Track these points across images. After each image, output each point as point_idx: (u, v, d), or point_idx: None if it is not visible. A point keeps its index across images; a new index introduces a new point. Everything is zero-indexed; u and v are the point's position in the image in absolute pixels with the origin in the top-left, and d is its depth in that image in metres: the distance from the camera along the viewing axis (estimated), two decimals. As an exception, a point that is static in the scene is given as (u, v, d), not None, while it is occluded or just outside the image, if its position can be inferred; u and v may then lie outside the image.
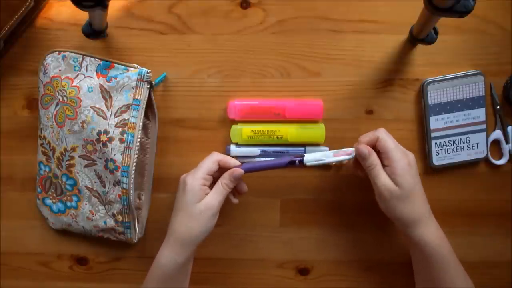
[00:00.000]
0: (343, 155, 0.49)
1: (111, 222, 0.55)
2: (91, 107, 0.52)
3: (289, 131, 0.54)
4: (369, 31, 0.54)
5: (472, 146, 0.55)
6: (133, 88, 0.52)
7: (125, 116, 0.52)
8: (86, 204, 0.55)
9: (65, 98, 0.52)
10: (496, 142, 0.55)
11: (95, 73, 0.52)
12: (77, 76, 0.52)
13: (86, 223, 0.56)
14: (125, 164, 0.51)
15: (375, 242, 0.57)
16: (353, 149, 0.49)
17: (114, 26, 0.55)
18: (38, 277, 0.60)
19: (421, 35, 0.50)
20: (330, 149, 0.54)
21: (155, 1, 0.55)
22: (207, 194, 0.48)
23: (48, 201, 0.57)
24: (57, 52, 0.53)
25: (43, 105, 0.54)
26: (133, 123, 0.52)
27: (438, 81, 0.53)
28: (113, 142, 0.51)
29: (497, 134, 0.55)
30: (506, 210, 0.56)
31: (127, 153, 0.51)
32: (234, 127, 0.55)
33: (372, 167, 0.47)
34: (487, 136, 0.55)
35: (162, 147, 0.57)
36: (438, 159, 0.55)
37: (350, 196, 0.57)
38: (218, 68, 0.55)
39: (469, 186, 0.56)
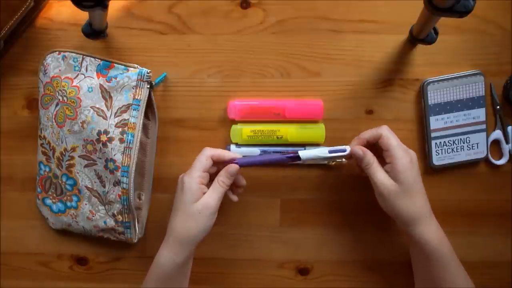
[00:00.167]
0: (338, 151, 0.49)
1: (111, 222, 0.55)
2: (91, 107, 0.52)
3: (289, 131, 0.54)
4: (369, 31, 0.54)
5: (472, 146, 0.55)
6: (133, 88, 0.52)
7: (125, 116, 0.52)
8: (86, 204, 0.55)
9: (65, 98, 0.52)
10: (496, 142, 0.55)
11: (95, 73, 0.52)
12: (77, 76, 0.52)
13: (86, 223, 0.56)
14: (125, 164, 0.51)
15: (376, 242, 0.57)
16: (348, 147, 0.49)
17: (114, 26, 0.55)
18: (38, 277, 0.60)
19: (421, 35, 0.50)
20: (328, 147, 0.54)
21: (155, 1, 0.55)
22: (205, 192, 0.48)
23: (48, 201, 0.57)
24: (57, 52, 0.53)
25: (43, 105, 0.54)
26: (133, 123, 0.52)
27: (438, 81, 0.53)
28: (113, 142, 0.51)
29: (497, 134, 0.55)
30: (506, 210, 0.56)
31: (127, 153, 0.51)
32: (234, 127, 0.55)
33: (369, 166, 0.48)
34: (487, 136, 0.55)
35: (162, 147, 0.57)
36: (438, 159, 0.55)
37: (351, 196, 0.57)
38: (218, 68, 0.55)
39: (469, 186, 0.56)
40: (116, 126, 0.52)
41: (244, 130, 0.54)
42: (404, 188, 0.46)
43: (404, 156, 0.47)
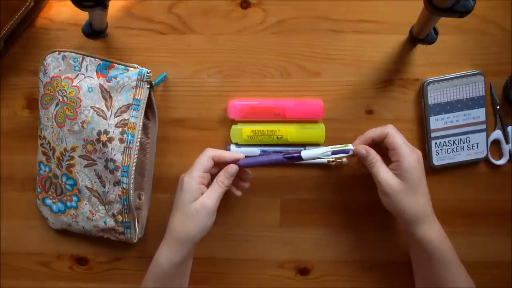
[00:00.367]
0: (342, 152, 0.49)
1: (111, 222, 0.55)
2: (91, 107, 0.52)
3: (289, 131, 0.54)
4: (369, 31, 0.54)
5: (472, 146, 0.55)
6: (133, 88, 0.52)
7: (125, 116, 0.52)
8: (86, 204, 0.55)
9: (65, 98, 0.52)
10: (496, 142, 0.55)
11: (95, 73, 0.52)
12: (77, 76, 0.52)
13: (86, 223, 0.56)
14: (125, 164, 0.51)
15: (376, 242, 0.57)
16: (351, 146, 0.49)
17: (114, 26, 0.55)
18: (38, 277, 0.60)
19: (421, 35, 0.50)
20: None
21: (155, 1, 0.55)
22: (204, 193, 0.48)
23: (48, 201, 0.57)
24: (57, 52, 0.53)
25: (43, 105, 0.54)
26: (133, 123, 0.52)
27: (438, 81, 0.53)
28: (113, 142, 0.51)
29: (497, 134, 0.55)
30: (506, 210, 0.56)
31: (127, 153, 0.51)
32: (234, 127, 0.55)
33: (372, 164, 0.48)
34: (487, 136, 0.55)
35: (162, 147, 0.57)
36: (438, 159, 0.55)
37: (351, 196, 0.57)
38: (218, 68, 0.55)
39: (469, 186, 0.56)
40: (116, 126, 0.52)
41: (244, 130, 0.54)
42: (409, 186, 0.46)
43: (410, 155, 0.47)
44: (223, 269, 0.59)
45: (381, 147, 0.49)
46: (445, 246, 0.47)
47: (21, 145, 0.58)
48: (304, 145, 0.55)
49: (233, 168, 0.49)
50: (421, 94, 0.54)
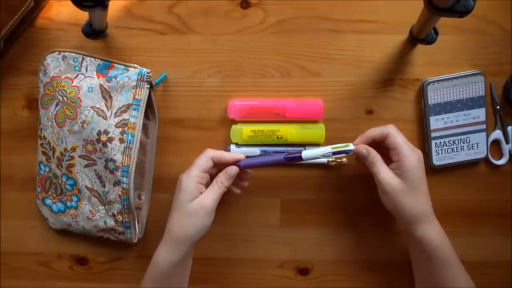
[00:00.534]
0: (342, 152, 0.49)
1: (111, 222, 0.55)
2: (91, 107, 0.52)
3: (289, 131, 0.54)
4: (369, 31, 0.54)
5: (472, 146, 0.55)
6: (133, 88, 0.52)
7: (125, 116, 0.52)
8: (86, 204, 0.55)
9: (65, 98, 0.52)
10: (496, 142, 0.55)
11: (95, 73, 0.52)
12: (77, 76, 0.52)
13: (86, 223, 0.56)
14: (125, 164, 0.51)
15: (376, 242, 0.57)
16: (352, 146, 0.49)
17: (114, 26, 0.55)
18: (38, 277, 0.60)
19: (421, 35, 0.50)
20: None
21: (155, 1, 0.55)
22: (202, 193, 0.48)
23: (48, 201, 0.57)
24: (57, 52, 0.53)
25: (43, 105, 0.54)
26: (133, 123, 0.52)
27: (438, 81, 0.53)
28: (113, 142, 0.51)
29: (497, 134, 0.55)
30: (506, 210, 0.56)
31: (127, 153, 0.51)
32: (234, 127, 0.55)
33: (373, 164, 0.48)
34: (487, 136, 0.55)
35: (162, 147, 0.57)
36: (438, 159, 0.55)
37: (351, 196, 0.57)
38: (218, 68, 0.55)
39: (469, 186, 0.56)
40: (116, 126, 0.52)
41: (244, 130, 0.54)
42: (410, 186, 0.46)
43: (411, 155, 0.47)
44: (223, 269, 0.59)
45: (382, 146, 0.49)
46: (445, 246, 0.47)
47: (21, 145, 0.58)
48: (304, 145, 0.55)
49: (233, 169, 0.49)
50: (421, 94, 0.54)
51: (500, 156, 0.56)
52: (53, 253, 0.60)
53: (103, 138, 0.51)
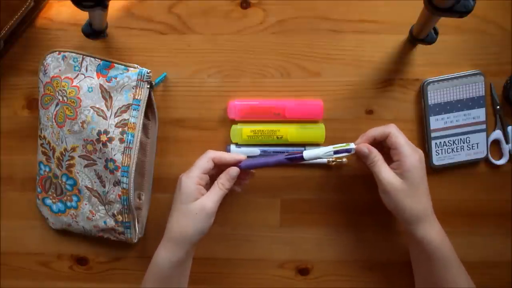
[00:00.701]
0: (344, 152, 0.49)
1: (111, 222, 0.55)
2: (91, 107, 0.52)
3: (289, 131, 0.54)
4: (369, 31, 0.54)
5: (472, 146, 0.55)
6: (133, 88, 0.52)
7: (125, 116, 0.52)
8: (86, 204, 0.55)
9: (65, 98, 0.52)
10: (496, 142, 0.55)
11: (95, 73, 0.52)
12: (77, 76, 0.52)
13: (86, 223, 0.56)
14: (125, 164, 0.51)
15: (376, 242, 0.57)
16: (353, 145, 0.49)
17: (114, 26, 0.55)
18: (38, 277, 0.60)
19: (421, 35, 0.50)
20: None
21: (155, 1, 0.55)
22: (203, 194, 0.48)
23: (48, 201, 0.57)
24: (57, 52, 0.53)
25: (43, 105, 0.54)
26: (133, 123, 0.52)
27: (438, 81, 0.53)
28: (113, 142, 0.51)
29: (497, 134, 0.55)
30: (506, 210, 0.56)
31: (127, 153, 0.51)
32: (234, 127, 0.55)
33: (374, 163, 0.48)
34: (487, 136, 0.55)
35: (162, 147, 0.57)
36: (438, 159, 0.55)
37: (351, 196, 0.57)
38: (218, 68, 0.55)
39: (469, 186, 0.56)
40: (116, 126, 0.52)
41: (244, 130, 0.54)
42: (410, 186, 0.46)
43: (412, 154, 0.47)
44: (223, 269, 0.59)
45: (383, 146, 0.49)
46: (445, 246, 0.47)
47: (21, 145, 0.58)
48: (304, 145, 0.55)
49: (234, 170, 0.49)
50: (421, 94, 0.54)
51: (500, 156, 0.56)
52: (53, 253, 0.60)
53: (103, 138, 0.51)
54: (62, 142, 0.53)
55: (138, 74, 0.52)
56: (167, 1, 0.54)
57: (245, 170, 0.51)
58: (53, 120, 0.53)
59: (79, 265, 0.60)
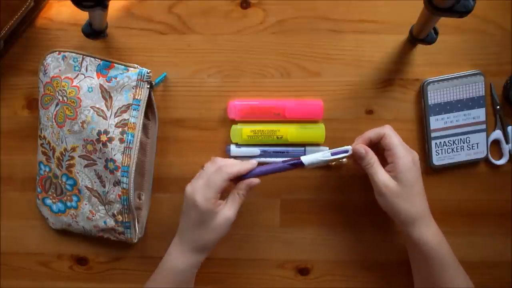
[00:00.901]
0: (341, 153, 0.49)
1: (111, 222, 0.55)
2: (91, 107, 0.52)
3: (289, 131, 0.54)
4: (369, 31, 0.54)
5: (472, 146, 0.55)
6: (133, 88, 0.52)
7: (125, 116, 0.52)
8: (86, 204, 0.55)
9: (65, 98, 0.52)
10: (496, 142, 0.55)
11: (95, 73, 0.52)
12: (77, 76, 0.52)
13: (86, 223, 0.56)
14: (125, 164, 0.51)
15: (375, 242, 0.57)
16: (350, 147, 0.49)
17: (114, 26, 0.55)
18: (38, 277, 0.60)
19: (421, 35, 0.50)
20: (329, 149, 0.54)
21: (155, 1, 0.55)
22: (219, 204, 0.48)
23: (48, 201, 0.57)
24: (57, 52, 0.53)
25: (43, 105, 0.54)
26: (133, 123, 0.52)
27: (438, 81, 0.53)
28: (113, 142, 0.51)
29: (497, 134, 0.55)
30: (506, 210, 0.56)
31: (127, 153, 0.51)
32: (234, 127, 0.55)
33: (370, 165, 0.48)
34: (487, 136, 0.55)
35: (162, 147, 0.57)
36: (438, 159, 0.55)
37: (350, 196, 0.57)
38: (218, 68, 0.55)
39: (469, 186, 0.56)
40: (116, 126, 0.52)
41: (244, 130, 0.54)
42: (405, 188, 0.46)
43: (405, 156, 0.47)
44: (223, 269, 0.59)
45: (378, 148, 0.49)
46: (442, 247, 0.47)
47: (21, 145, 0.58)
48: (304, 145, 0.55)
49: (255, 182, 0.49)
50: (421, 94, 0.54)
51: (500, 156, 0.56)
52: (53, 253, 0.60)
53: (103, 138, 0.51)
54: (62, 142, 0.53)
55: (138, 74, 0.52)
56: (167, 1, 0.54)
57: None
58: (53, 120, 0.53)
59: (79, 265, 0.60)
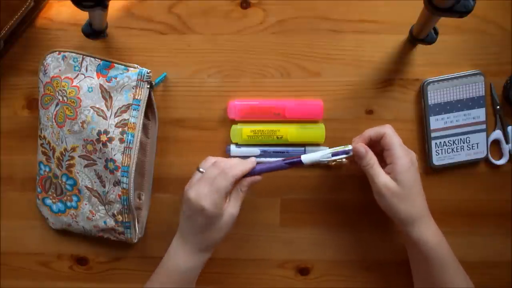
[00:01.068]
0: (342, 153, 0.49)
1: (111, 222, 0.55)
2: (91, 107, 0.52)
3: (289, 131, 0.54)
4: (369, 31, 0.54)
5: (472, 146, 0.55)
6: (133, 88, 0.52)
7: (125, 116, 0.52)
8: (86, 204, 0.55)
9: (65, 98, 0.52)
10: (496, 142, 0.55)
11: (95, 73, 0.52)
12: (77, 76, 0.52)
13: (86, 223, 0.56)
14: (125, 164, 0.51)
15: (375, 242, 0.57)
16: (350, 147, 0.49)
17: (114, 26, 0.55)
18: (38, 277, 0.60)
19: (421, 35, 0.50)
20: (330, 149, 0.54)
21: (155, 1, 0.55)
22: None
23: (48, 201, 0.57)
24: (57, 52, 0.53)
25: (43, 105, 0.54)
26: (133, 123, 0.52)
27: (438, 81, 0.53)
28: (113, 142, 0.51)
29: (497, 134, 0.55)
30: (506, 210, 0.56)
31: (127, 153, 0.51)
32: (234, 127, 0.55)
33: (370, 166, 0.48)
34: (487, 136, 0.55)
35: (162, 147, 0.57)
36: (438, 159, 0.55)
37: (350, 196, 0.57)
38: (218, 68, 0.55)
39: (469, 186, 0.56)
40: (116, 126, 0.52)
41: (244, 130, 0.54)
42: (403, 189, 0.46)
43: (404, 157, 0.47)
44: (223, 269, 0.59)
45: (376, 148, 0.49)
46: (442, 247, 0.47)
47: (21, 145, 0.58)
48: (304, 145, 0.55)
49: (258, 178, 0.49)
50: (421, 94, 0.54)
51: (500, 156, 0.56)
52: (53, 253, 0.60)
53: (103, 138, 0.51)
54: (62, 142, 0.53)
55: (138, 74, 0.52)
56: (167, 1, 0.54)
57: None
58: (53, 120, 0.53)
59: (79, 265, 0.60)
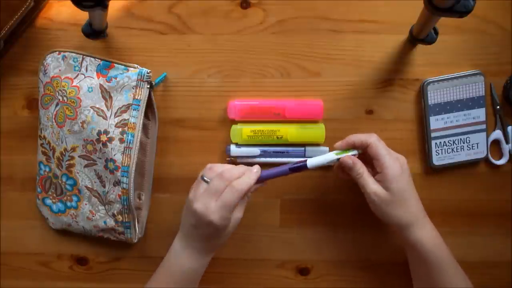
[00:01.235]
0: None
1: (111, 222, 0.55)
2: (91, 107, 0.52)
3: (289, 131, 0.54)
4: (369, 31, 0.54)
5: (472, 146, 0.55)
6: (133, 88, 0.52)
7: (125, 116, 0.52)
8: (86, 204, 0.55)
9: (65, 98, 0.52)
10: (496, 142, 0.55)
11: (95, 73, 0.52)
12: (77, 76, 0.52)
13: (86, 223, 0.56)
14: (125, 164, 0.51)
15: (375, 242, 0.57)
16: (355, 151, 0.49)
17: (114, 26, 0.55)
18: (38, 277, 0.60)
19: (421, 35, 0.50)
20: (329, 150, 0.54)
21: (155, 1, 0.55)
22: None
23: (48, 201, 0.57)
24: (57, 52, 0.53)
25: (43, 105, 0.54)
26: (133, 123, 0.52)
27: (438, 81, 0.53)
28: (113, 142, 0.51)
29: (497, 134, 0.55)
30: (506, 210, 0.56)
31: (127, 153, 0.51)
32: (234, 127, 0.55)
33: (359, 176, 0.47)
34: (487, 136, 0.55)
35: (162, 147, 0.57)
36: (438, 159, 0.55)
37: (350, 196, 0.57)
38: (218, 68, 0.55)
39: (469, 186, 0.56)
40: (116, 126, 0.52)
41: (244, 130, 0.54)
42: (395, 197, 0.46)
43: (393, 165, 0.46)
44: (223, 269, 0.59)
45: (366, 155, 0.49)
46: (440, 249, 0.47)
47: (21, 145, 0.58)
48: (304, 145, 0.55)
49: (264, 185, 0.50)
50: (421, 94, 0.54)
51: (500, 156, 0.56)
52: (53, 253, 0.60)
53: (103, 138, 0.51)
54: (62, 142, 0.53)
55: (138, 74, 0.52)
56: (167, 1, 0.54)
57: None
58: (53, 120, 0.53)
59: (79, 265, 0.60)
